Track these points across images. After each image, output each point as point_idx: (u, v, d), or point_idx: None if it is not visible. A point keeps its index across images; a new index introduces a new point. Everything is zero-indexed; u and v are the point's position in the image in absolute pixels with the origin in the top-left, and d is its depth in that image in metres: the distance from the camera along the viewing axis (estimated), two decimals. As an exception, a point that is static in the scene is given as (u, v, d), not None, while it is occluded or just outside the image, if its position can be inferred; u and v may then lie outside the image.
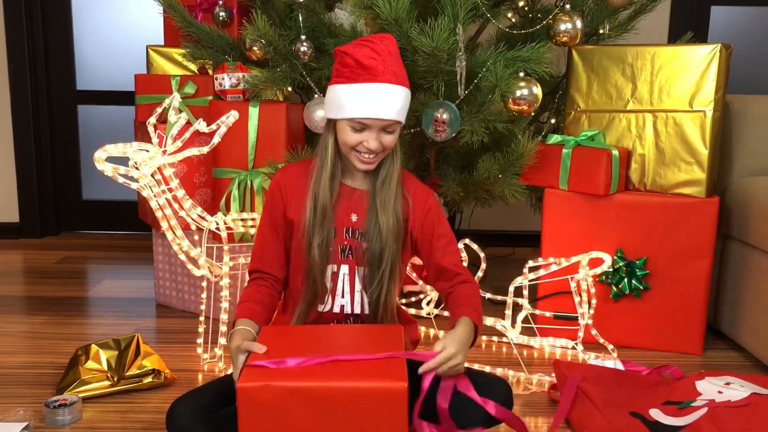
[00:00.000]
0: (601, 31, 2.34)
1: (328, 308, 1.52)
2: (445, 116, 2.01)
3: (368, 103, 1.40)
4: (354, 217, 1.51)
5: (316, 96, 2.19)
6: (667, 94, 2.04)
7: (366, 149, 1.43)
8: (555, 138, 2.14)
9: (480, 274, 2.15)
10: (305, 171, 1.52)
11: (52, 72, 3.42)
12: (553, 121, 2.49)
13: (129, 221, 3.39)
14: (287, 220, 1.51)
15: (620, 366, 1.87)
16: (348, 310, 1.53)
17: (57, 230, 3.52)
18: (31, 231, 3.42)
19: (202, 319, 1.98)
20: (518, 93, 2.00)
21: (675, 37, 3.00)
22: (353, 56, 1.40)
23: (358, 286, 1.53)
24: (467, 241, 2.12)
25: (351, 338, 1.41)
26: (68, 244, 3.35)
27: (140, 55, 2.62)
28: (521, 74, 2.02)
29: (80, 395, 1.69)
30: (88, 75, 3.46)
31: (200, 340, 1.99)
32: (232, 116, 1.79)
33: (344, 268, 1.52)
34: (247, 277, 1.58)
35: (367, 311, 1.52)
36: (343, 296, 1.52)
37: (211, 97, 2.26)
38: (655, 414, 1.60)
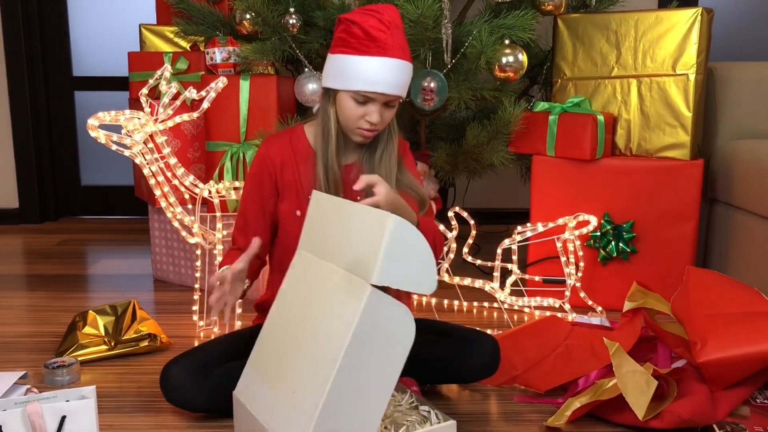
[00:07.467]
0: (587, 3, 2.38)
1: None
2: (432, 85, 2.05)
3: (377, 77, 1.37)
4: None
5: (306, 70, 2.22)
6: (651, 58, 2.07)
7: (368, 123, 1.42)
8: (542, 105, 2.18)
9: (470, 241, 2.18)
10: (288, 141, 1.53)
11: (49, 59, 3.46)
12: (542, 93, 2.53)
13: (127, 205, 3.45)
14: (277, 190, 1.53)
15: (606, 323, 1.90)
16: None
17: (56, 215, 3.57)
18: (30, 216, 3.46)
19: (197, 286, 2.02)
20: (504, 60, 2.04)
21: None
22: (361, 26, 1.37)
23: None
24: (457, 209, 2.15)
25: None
26: (67, 228, 3.39)
27: (134, 39, 2.65)
28: (506, 41, 2.05)
29: (78, 359, 1.73)
30: (83, 61, 3.50)
31: (195, 308, 2.03)
32: (221, 82, 1.82)
33: None
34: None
35: None
36: None
37: (203, 72, 2.30)
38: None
